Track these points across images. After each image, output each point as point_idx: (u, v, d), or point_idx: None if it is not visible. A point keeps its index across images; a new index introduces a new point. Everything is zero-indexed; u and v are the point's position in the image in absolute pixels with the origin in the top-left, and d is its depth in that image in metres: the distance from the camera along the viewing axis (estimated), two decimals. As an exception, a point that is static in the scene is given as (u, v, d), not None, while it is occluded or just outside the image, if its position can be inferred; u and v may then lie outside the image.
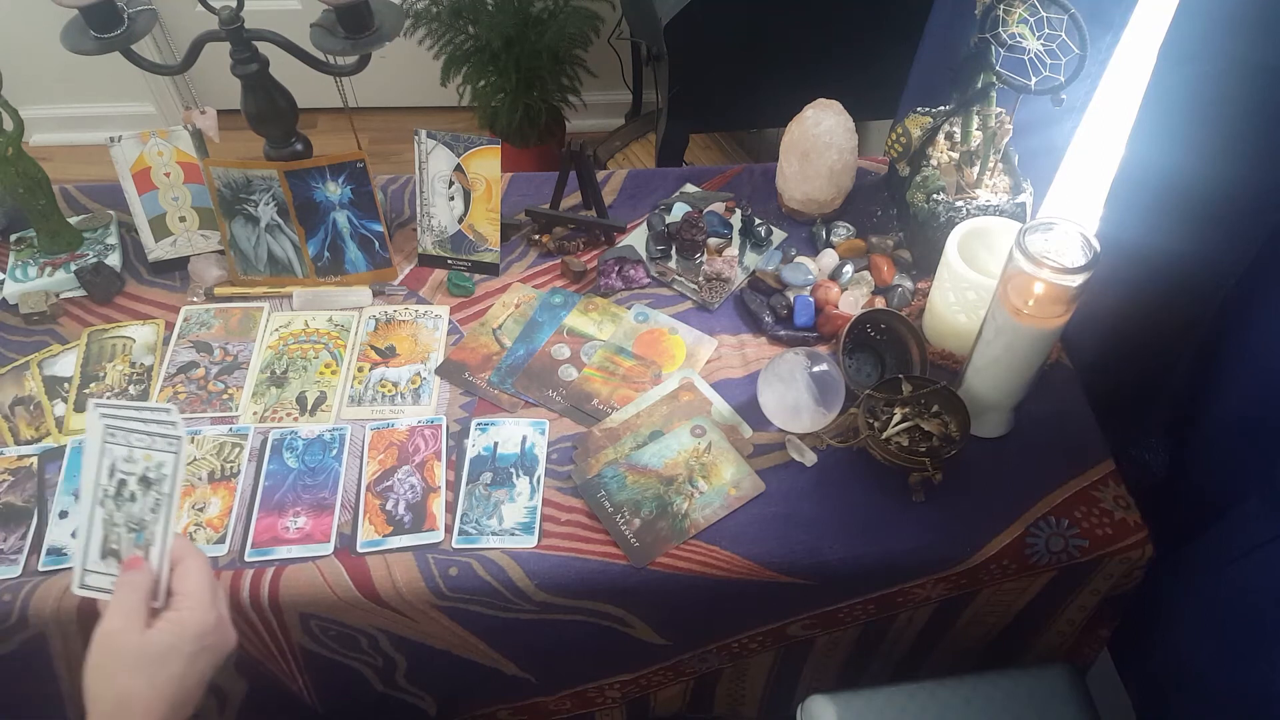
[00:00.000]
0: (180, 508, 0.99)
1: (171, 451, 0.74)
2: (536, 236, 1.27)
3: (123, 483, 0.75)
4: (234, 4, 1.08)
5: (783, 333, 1.16)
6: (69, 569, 0.96)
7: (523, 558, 0.97)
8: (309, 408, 1.10)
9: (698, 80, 1.78)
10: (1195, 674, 1.00)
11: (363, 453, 1.05)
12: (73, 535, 0.83)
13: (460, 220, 1.23)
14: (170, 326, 1.18)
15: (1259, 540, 0.89)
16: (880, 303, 1.17)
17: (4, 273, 1.22)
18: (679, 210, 1.28)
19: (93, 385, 1.12)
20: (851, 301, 1.17)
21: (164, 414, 0.74)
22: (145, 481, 0.75)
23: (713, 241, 1.23)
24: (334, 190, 1.18)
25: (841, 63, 1.71)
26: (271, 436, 1.07)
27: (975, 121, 1.17)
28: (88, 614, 0.96)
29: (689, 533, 0.99)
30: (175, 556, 0.75)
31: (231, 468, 1.04)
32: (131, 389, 1.12)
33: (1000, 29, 1.07)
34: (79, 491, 0.78)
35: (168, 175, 1.21)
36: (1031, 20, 1.04)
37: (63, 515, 0.99)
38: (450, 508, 1.01)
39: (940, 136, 1.23)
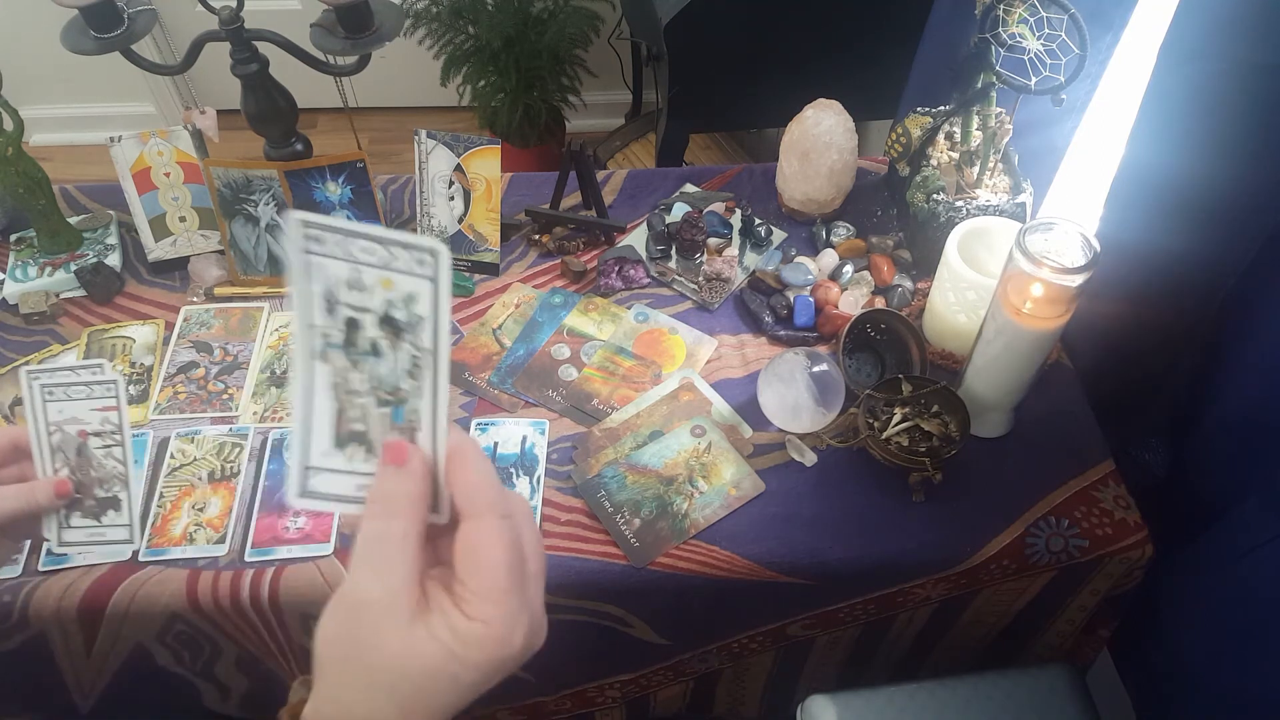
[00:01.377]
0: (171, 510, 0.99)
1: (427, 277, 0.44)
2: (536, 236, 1.27)
3: (353, 322, 0.45)
4: (234, 4, 1.09)
5: (783, 333, 1.16)
6: (70, 568, 0.96)
7: (523, 558, 0.97)
8: (309, 408, 1.10)
9: (698, 80, 1.78)
10: (1195, 674, 1.00)
11: (363, 453, 1.05)
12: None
13: (460, 220, 1.23)
14: (170, 326, 1.18)
15: (1259, 540, 0.90)
16: (880, 303, 1.17)
17: (4, 273, 1.22)
18: (679, 210, 1.28)
19: (93, 385, 1.12)
20: (851, 301, 1.17)
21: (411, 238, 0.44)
22: (392, 324, 0.45)
23: (713, 241, 1.23)
24: (334, 190, 1.18)
25: (841, 63, 1.71)
26: (271, 436, 1.07)
27: (975, 121, 1.17)
28: (88, 614, 0.96)
29: (689, 533, 0.99)
30: (462, 507, 0.45)
31: (231, 468, 1.04)
32: (131, 389, 1.12)
33: (1000, 29, 1.07)
34: (39, 432, 0.72)
35: (168, 175, 1.21)
36: (1031, 20, 1.04)
37: (63, 515, 0.99)
38: (450, 508, 1.01)
39: (940, 136, 1.23)
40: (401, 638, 0.43)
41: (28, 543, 0.94)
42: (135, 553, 0.97)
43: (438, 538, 0.46)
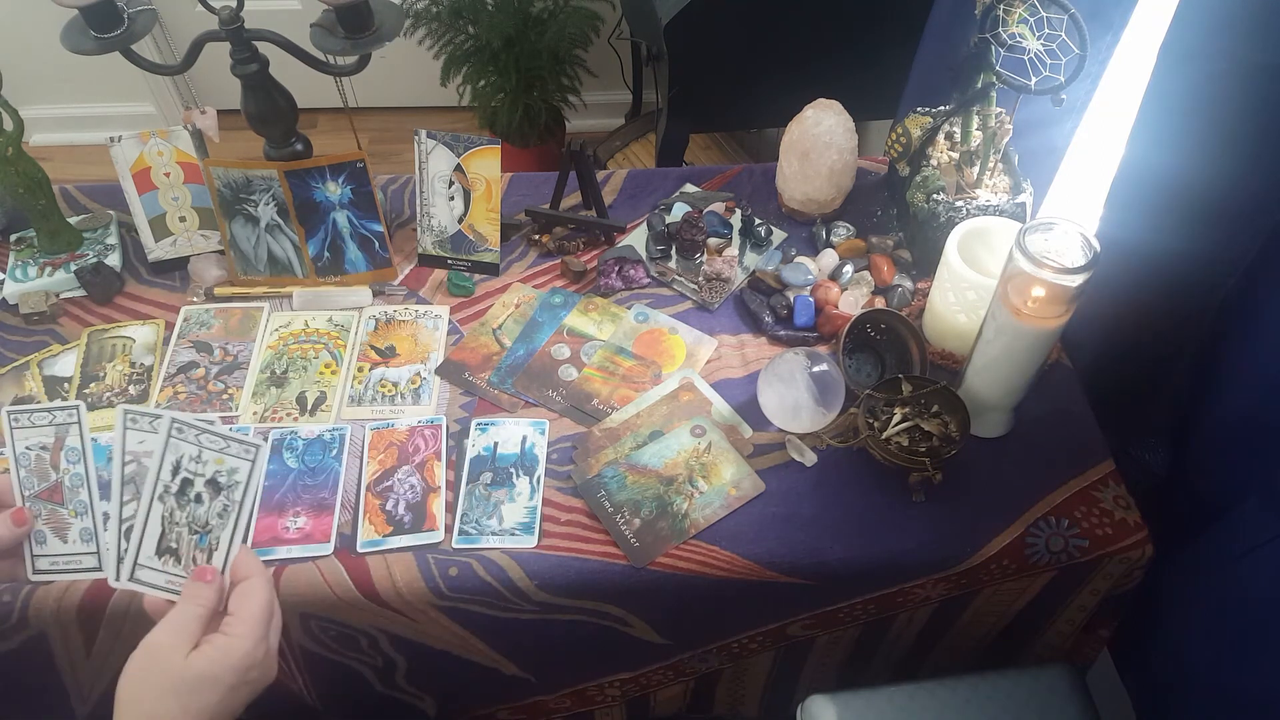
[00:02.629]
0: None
1: (247, 459, 0.73)
2: (536, 236, 1.27)
3: (188, 482, 0.73)
4: (234, 4, 1.08)
5: (783, 333, 1.16)
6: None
7: (523, 558, 0.97)
8: (309, 408, 1.10)
9: (698, 80, 1.78)
10: (1195, 674, 1.00)
11: (363, 453, 1.05)
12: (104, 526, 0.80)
13: (460, 220, 1.23)
14: (170, 326, 1.18)
15: (1259, 540, 0.90)
16: (880, 303, 1.17)
17: (4, 273, 1.22)
18: (679, 210, 1.28)
19: (93, 385, 1.12)
20: (851, 301, 1.17)
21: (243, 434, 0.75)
22: (215, 485, 0.73)
23: (713, 241, 1.23)
24: (334, 190, 1.18)
25: (841, 63, 1.71)
26: (271, 436, 1.07)
27: (975, 121, 1.17)
28: (88, 614, 0.96)
29: (689, 533, 0.99)
30: (241, 573, 0.72)
31: (231, 468, 1.04)
32: (131, 389, 1.12)
33: (1000, 29, 1.07)
34: (110, 485, 0.76)
35: (168, 175, 1.21)
36: (1031, 20, 1.04)
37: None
38: (450, 508, 1.01)
39: (940, 136, 1.23)
40: (181, 660, 0.66)
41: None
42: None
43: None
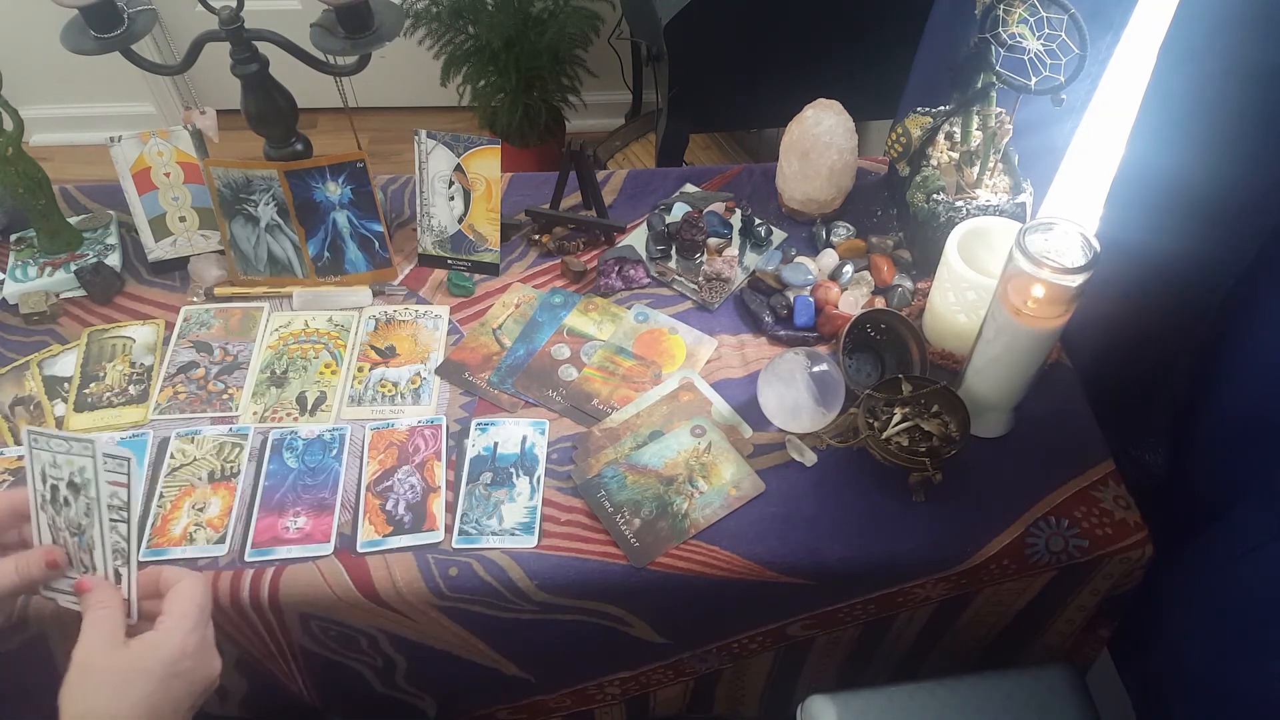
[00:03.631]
0: (171, 510, 1.00)
1: (88, 456, 0.73)
2: (536, 236, 1.27)
3: (55, 488, 0.74)
4: (234, 4, 1.08)
5: (783, 333, 1.16)
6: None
7: (523, 558, 0.97)
8: (309, 408, 1.10)
9: (698, 80, 1.78)
10: (1195, 674, 1.00)
11: (363, 453, 1.05)
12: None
13: (460, 220, 1.23)
14: (170, 326, 1.18)
15: (1258, 540, 0.90)
16: (880, 303, 1.17)
17: (4, 273, 1.22)
18: (679, 210, 1.28)
19: (93, 385, 1.12)
20: (851, 301, 1.17)
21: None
22: (73, 486, 0.74)
23: (713, 241, 1.23)
24: (334, 190, 1.18)
25: (841, 63, 1.71)
26: (271, 436, 1.07)
27: (975, 121, 1.17)
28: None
29: (689, 533, 0.99)
30: (169, 580, 0.73)
31: (231, 468, 1.04)
32: (131, 389, 1.12)
33: (1000, 29, 1.07)
34: (40, 494, 0.78)
35: (168, 175, 1.21)
36: (1031, 20, 1.04)
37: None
38: (450, 508, 1.01)
39: (940, 136, 1.23)
40: (108, 659, 0.68)
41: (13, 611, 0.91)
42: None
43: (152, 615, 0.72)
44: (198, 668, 0.70)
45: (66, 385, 1.12)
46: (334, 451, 1.05)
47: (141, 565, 0.75)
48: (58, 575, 0.76)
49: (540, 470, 1.04)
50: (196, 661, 0.69)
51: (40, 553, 0.75)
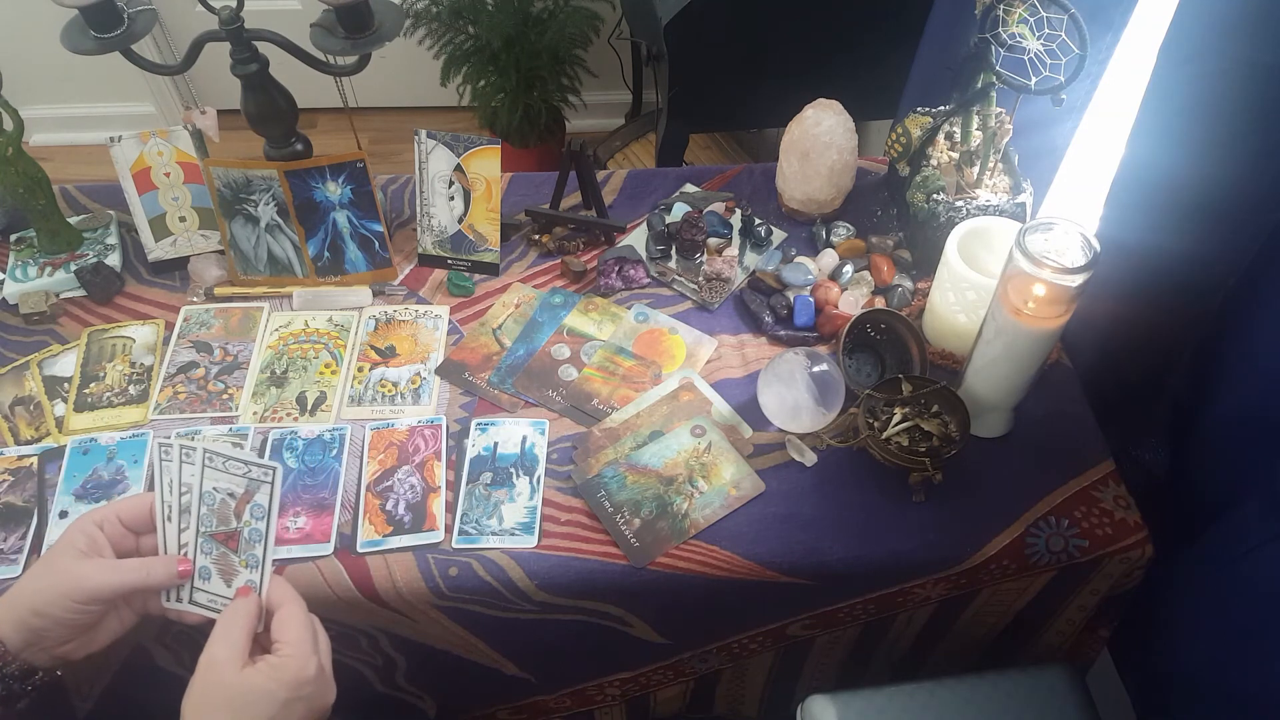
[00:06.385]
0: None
1: (267, 481, 0.79)
2: (536, 236, 1.27)
3: (224, 504, 0.80)
4: (234, 4, 1.08)
5: (783, 333, 1.16)
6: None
7: (523, 558, 0.97)
8: (309, 408, 1.10)
9: (698, 80, 1.78)
10: (1195, 674, 1.00)
11: (363, 453, 1.05)
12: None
13: (460, 220, 1.23)
14: (170, 326, 1.18)
15: (1258, 540, 0.90)
16: (880, 303, 1.17)
17: (4, 273, 1.22)
18: (679, 210, 1.28)
19: (93, 385, 1.12)
20: (851, 301, 1.17)
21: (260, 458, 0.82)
22: (254, 510, 0.80)
23: (713, 241, 1.23)
24: (334, 190, 1.18)
25: (841, 63, 1.71)
26: (271, 436, 1.07)
27: (975, 121, 1.17)
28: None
29: (689, 533, 0.99)
30: (275, 601, 0.76)
31: (231, 468, 1.04)
32: (131, 389, 1.12)
33: (1000, 29, 1.07)
34: (170, 505, 0.80)
35: (168, 175, 1.21)
36: (1031, 20, 1.04)
37: (63, 515, 0.99)
38: (450, 508, 1.01)
39: (940, 136, 1.23)
40: (235, 676, 0.70)
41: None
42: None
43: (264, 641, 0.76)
44: (315, 695, 0.72)
45: (66, 385, 1.12)
46: (334, 451, 1.05)
47: None
48: (180, 584, 0.79)
49: (540, 470, 1.04)
50: (315, 689, 0.72)
51: (171, 560, 0.78)
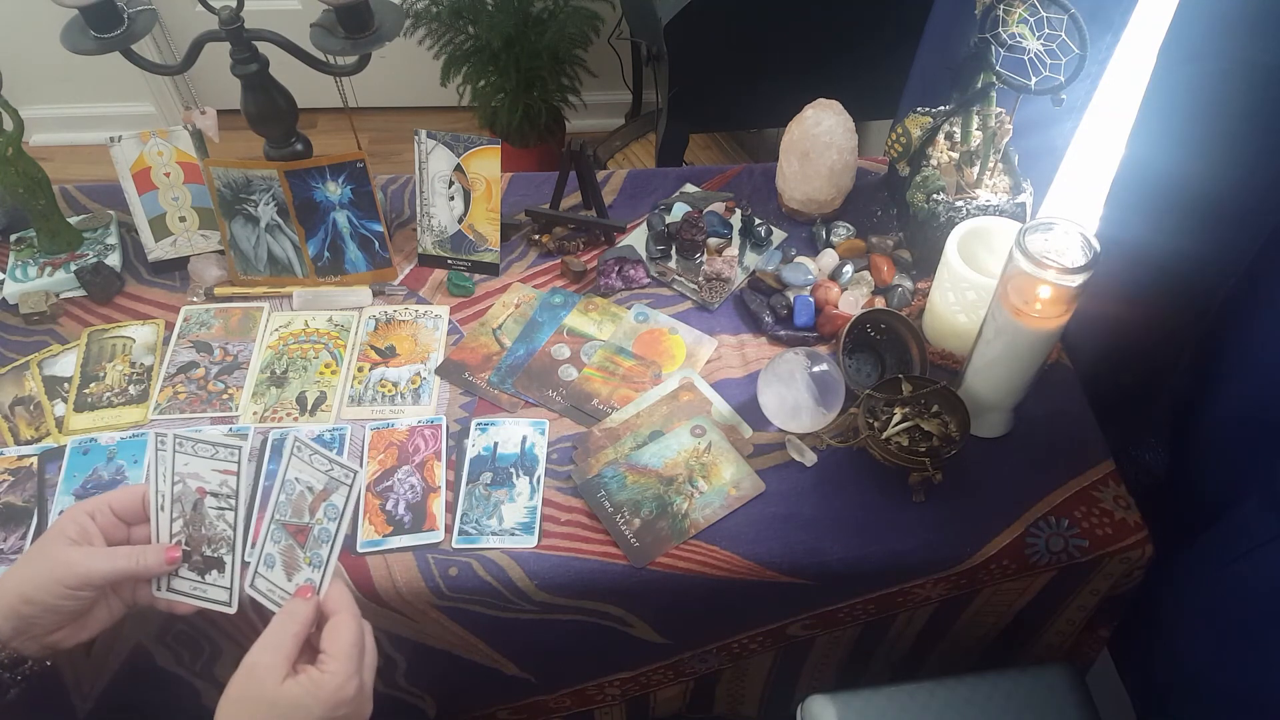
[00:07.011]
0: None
1: (345, 483, 0.77)
2: (536, 236, 1.27)
3: (303, 496, 0.79)
4: (234, 4, 1.09)
5: (783, 333, 1.16)
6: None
7: (523, 558, 0.97)
8: (309, 408, 1.10)
9: (698, 80, 1.78)
10: (1195, 674, 1.00)
11: (363, 453, 1.05)
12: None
13: (460, 220, 1.23)
14: (170, 326, 1.18)
15: (1258, 540, 0.90)
16: (880, 303, 1.17)
17: (4, 273, 1.22)
18: (679, 210, 1.28)
19: (93, 385, 1.12)
20: (851, 301, 1.17)
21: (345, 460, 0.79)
22: (328, 509, 0.78)
23: (713, 241, 1.23)
24: (334, 190, 1.18)
25: (841, 63, 1.71)
26: (271, 436, 1.07)
27: (975, 121, 1.17)
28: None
29: (689, 533, 0.99)
30: (331, 607, 0.74)
31: (231, 468, 1.04)
32: (131, 389, 1.12)
33: (1000, 29, 1.07)
34: (163, 495, 0.80)
35: (168, 175, 1.21)
36: (1031, 20, 1.04)
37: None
38: (450, 508, 1.01)
39: (940, 136, 1.23)
40: (275, 684, 0.68)
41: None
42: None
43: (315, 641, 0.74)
44: (352, 715, 0.71)
45: (66, 385, 1.12)
46: (334, 451, 1.05)
47: None
48: (170, 570, 0.79)
49: (540, 470, 1.04)
50: (353, 709, 0.71)
51: (161, 547, 0.78)
